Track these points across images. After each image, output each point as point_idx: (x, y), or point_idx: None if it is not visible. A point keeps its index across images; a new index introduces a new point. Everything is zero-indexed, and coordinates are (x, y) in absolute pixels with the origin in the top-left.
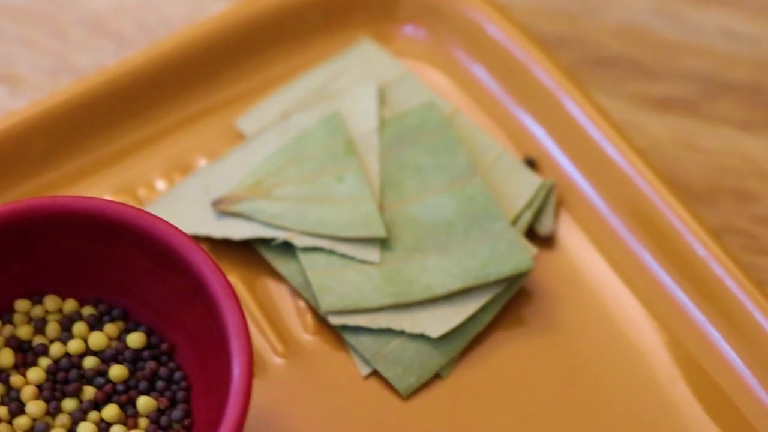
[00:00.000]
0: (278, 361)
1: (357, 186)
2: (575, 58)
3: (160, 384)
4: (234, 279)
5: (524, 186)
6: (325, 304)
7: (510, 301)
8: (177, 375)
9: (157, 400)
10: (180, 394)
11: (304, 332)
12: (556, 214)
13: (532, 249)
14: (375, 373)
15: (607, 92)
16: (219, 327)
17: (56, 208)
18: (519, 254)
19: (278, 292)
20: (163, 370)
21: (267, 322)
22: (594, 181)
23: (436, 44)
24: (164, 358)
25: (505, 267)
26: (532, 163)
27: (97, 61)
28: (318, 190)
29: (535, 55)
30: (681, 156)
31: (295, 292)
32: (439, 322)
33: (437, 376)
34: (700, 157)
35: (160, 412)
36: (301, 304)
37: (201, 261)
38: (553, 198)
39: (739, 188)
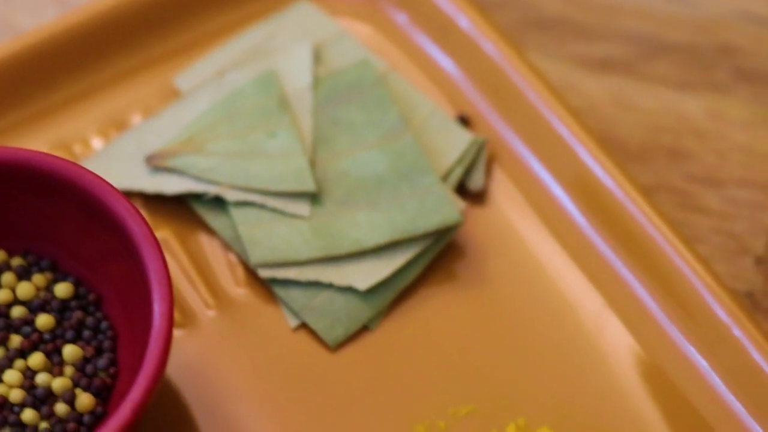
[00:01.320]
0: (209, 313)
1: (289, 142)
2: (515, 19)
3: (86, 333)
4: (166, 234)
5: (455, 142)
6: (254, 257)
7: (440, 256)
8: (103, 324)
9: (82, 348)
10: (106, 344)
11: (234, 285)
12: (489, 171)
13: (460, 203)
14: (304, 326)
15: (546, 53)
16: (142, 276)
17: None
18: (447, 208)
19: (210, 247)
20: (89, 320)
21: (198, 276)
22: (527, 139)
23: (372, 3)
24: (91, 308)
25: (432, 220)
26: (465, 121)
27: (40, 22)
28: (250, 146)
29: (471, 15)
30: (617, 116)
31: (227, 247)
32: (367, 275)
33: (365, 329)
34: (636, 117)
35: (85, 360)
36: (233, 258)
37: (125, 210)
38: (484, 155)
39: (674, 147)
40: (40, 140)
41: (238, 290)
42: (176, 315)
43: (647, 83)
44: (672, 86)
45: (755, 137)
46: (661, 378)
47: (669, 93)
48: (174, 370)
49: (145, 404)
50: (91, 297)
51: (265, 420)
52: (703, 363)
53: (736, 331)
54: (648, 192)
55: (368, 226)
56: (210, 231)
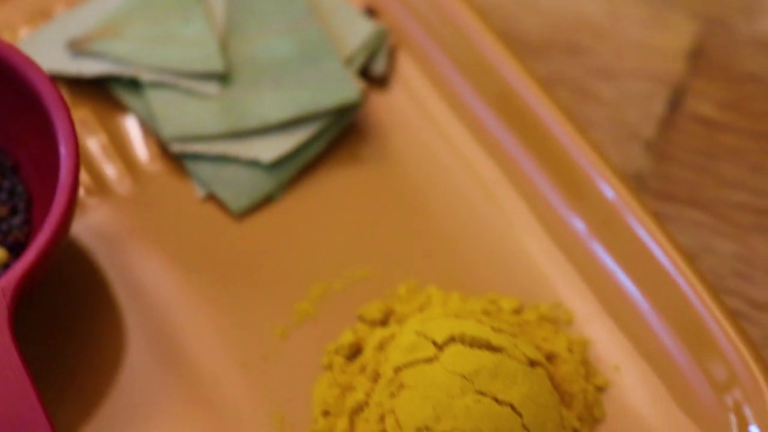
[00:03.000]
0: (124, 184)
1: (201, 27)
2: None
3: (2, 195)
4: (86, 113)
5: (359, 31)
6: (166, 132)
7: (342, 135)
8: (19, 188)
9: None
10: (20, 205)
11: (149, 160)
12: (392, 59)
13: (359, 84)
14: (212, 197)
15: None
16: (54, 144)
17: None
18: (346, 88)
19: (126, 125)
20: (5, 183)
21: (115, 152)
22: (431, 32)
23: None
24: (8, 174)
25: (332, 98)
26: (371, 12)
27: None
28: (166, 31)
29: None
30: (520, 14)
31: (142, 125)
32: (271, 149)
33: (269, 200)
34: (537, 16)
35: (1, 219)
36: (147, 136)
37: (42, 83)
38: (385, 43)
39: (572, 43)
40: None
41: (152, 164)
42: (93, 185)
43: None
44: None
45: (649, 34)
46: (549, 251)
47: None
48: (89, 236)
49: (48, 250)
50: (8, 163)
51: (171, 283)
52: (593, 242)
53: (622, 208)
54: (546, 83)
55: (273, 103)
56: (127, 110)
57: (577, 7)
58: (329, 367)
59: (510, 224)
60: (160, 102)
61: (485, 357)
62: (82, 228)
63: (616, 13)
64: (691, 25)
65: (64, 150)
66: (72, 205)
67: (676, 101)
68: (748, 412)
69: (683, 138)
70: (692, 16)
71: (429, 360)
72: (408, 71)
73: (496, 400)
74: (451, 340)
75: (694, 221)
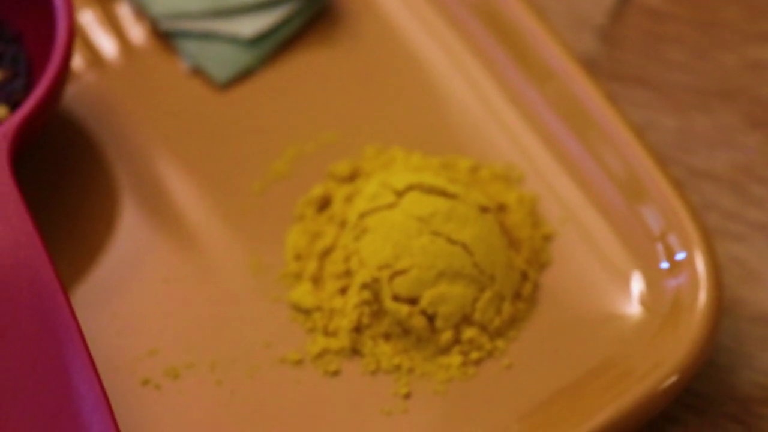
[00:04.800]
0: (116, 60)
1: None
2: None
3: (5, 62)
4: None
5: None
6: (154, 10)
7: (316, 18)
8: (20, 55)
9: (2, 72)
10: (21, 69)
11: (138, 37)
12: None
13: None
14: (197, 69)
15: None
16: (51, 10)
17: None
18: None
19: (119, 8)
20: (8, 50)
21: (109, 29)
22: None
23: None
24: (11, 42)
25: None
26: None
27: None
28: None
29: None
30: None
31: (132, 3)
32: (251, 26)
33: (250, 72)
34: None
35: (5, 82)
36: (137, 14)
37: None
38: None
39: None
40: None
41: (140, 41)
42: (88, 58)
43: None
44: None
45: None
46: (507, 119)
47: None
48: (84, 104)
49: (44, 100)
50: (11, 33)
51: (161, 146)
52: (548, 112)
53: (574, 85)
54: None
55: None
56: None
57: None
58: (301, 217)
59: (471, 93)
60: None
61: (440, 202)
62: (77, 97)
63: None
64: None
65: (60, 12)
66: (67, 61)
67: None
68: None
69: (632, 26)
70: None
71: (389, 206)
72: None
73: (450, 239)
74: (410, 188)
75: (641, 99)
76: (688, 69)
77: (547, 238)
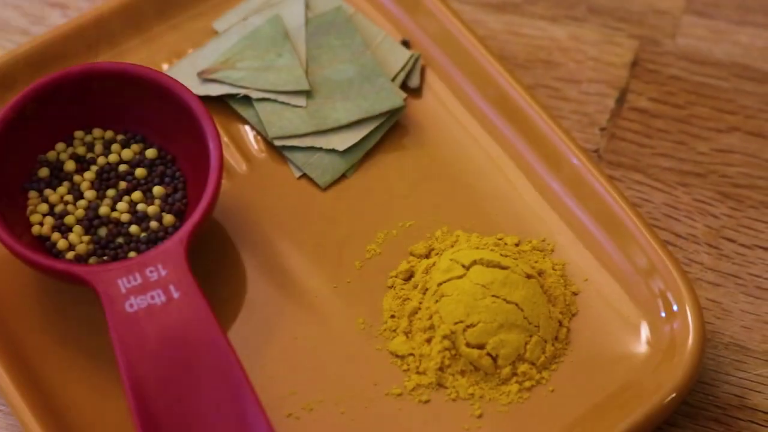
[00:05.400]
0: (242, 169)
1: (290, 59)
2: None
3: (167, 179)
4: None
5: (400, 57)
6: (271, 132)
7: (391, 131)
8: (177, 174)
9: (165, 188)
10: (179, 185)
11: (258, 152)
12: (424, 76)
13: (402, 94)
14: (304, 176)
15: (460, 0)
16: (204, 143)
17: (100, 69)
18: (394, 97)
19: (242, 129)
20: (168, 171)
21: (235, 148)
22: (451, 55)
23: None
24: (169, 164)
25: (384, 104)
26: (407, 44)
27: None
28: (265, 63)
29: None
30: (510, 40)
31: (253, 128)
32: (344, 140)
33: (344, 176)
34: (522, 41)
35: (167, 195)
36: (257, 135)
37: (194, 101)
38: (419, 64)
39: (547, 60)
40: (134, 60)
41: (261, 155)
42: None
43: (530, 18)
44: (546, 20)
45: (602, 52)
46: (538, 203)
47: (544, 24)
48: (219, 208)
49: (205, 216)
50: (169, 157)
51: (280, 237)
52: (566, 196)
53: (586, 173)
54: (530, 88)
55: (343, 110)
56: (242, 119)
57: (549, 34)
58: (392, 286)
59: (511, 186)
60: (265, 112)
61: (497, 273)
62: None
63: (578, 37)
64: (631, 44)
65: (212, 144)
66: (220, 180)
67: (621, 98)
68: (670, 297)
69: (627, 124)
70: (632, 37)
71: (460, 277)
72: (435, 84)
73: (506, 300)
74: (474, 263)
75: (636, 181)
76: (671, 155)
77: (575, 294)
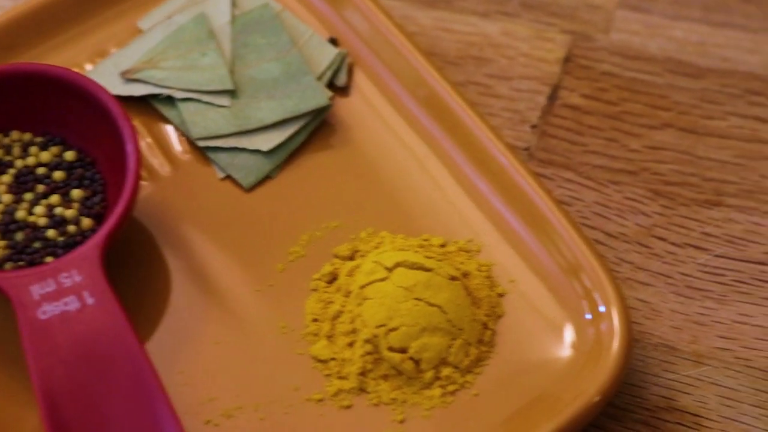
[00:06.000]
0: (165, 171)
1: (215, 58)
2: None
3: (86, 182)
4: (136, 122)
5: (326, 55)
6: (194, 133)
7: (318, 130)
8: (96, 176)
9: (84, 191)
10: (98, 188)
11: (182, 153)
12: (351, 74)
13: (328, 92)
14: (228, 177)
15: None
16: (121, 145)
17: (18, 71)
18: (319, 95)
19: (165, 129)
20: (87, 173)
21: (158, 148)
22: (377, 51)
23: None
24: (88, 167)
25: (310, 104)
26: (334, 41)
27: None
28: (189, 62)
29: None
30: (441, 37)
31: (177, 129)
32: (268, 141)
33: (269, 177)
34: (453, 37)
35: (86, 198)
36: (180, 135)
37: (112, 103)
38: (346, 62)
39: (478, 56)
40: (57, 60)
41: (184, 156)
42: (143, 172)
43: (461, 14)
44: (477, 15)
45: (533, 47)
46: (465, 203)
47: (475, 20)
48: (142, 209)
49: (122, 220)
50: (88, 159)
51: (202, 238)
52: (493, 196)
53: (512, 172)
54: (460, 85)
55: (268, 110)
56: (165, 119)
57: (480, 29)
58: (315, 289)
59: (437, 186)
60: (189, 112)
61: (420, 275)
62: (137, 203)
63: (510, 32)
64: (564, 39)
65: (129, 147)
66: (137, 184)
67: (553, 95)
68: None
69: (559, 121)
70: (565, 32)
71: (383, 279)
72: (362, 82)
73: (429, 303)
74: (397, 265)
75: (567, 179)
76: (603, 153)
77: (501, 296)
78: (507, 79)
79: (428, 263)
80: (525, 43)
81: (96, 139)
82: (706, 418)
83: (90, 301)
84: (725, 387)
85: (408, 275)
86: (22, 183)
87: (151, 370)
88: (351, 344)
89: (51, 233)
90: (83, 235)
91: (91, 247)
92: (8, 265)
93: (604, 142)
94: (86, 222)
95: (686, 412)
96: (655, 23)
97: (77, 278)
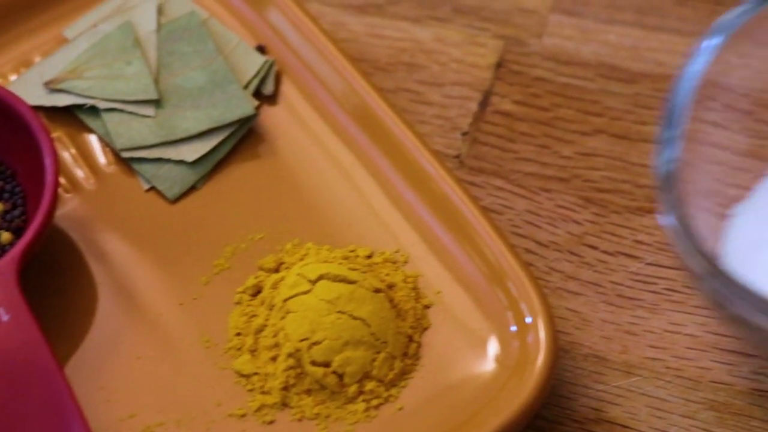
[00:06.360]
0: (90, 183)
1: (140, 67)
2: None
3: (5, 195)
4: (60, 133)
5: (253, 63)
6: (119, 144)
7: (244, 139)
8: (17, 189)
9: (3, 204)
10: (18, 201)
11: (107, 164)
12: (278, 82)
13: (254, 102)
14: (153, 188)
15: (322, 3)
16: (41, 157)
17: None
18: (244, 105)
19: (90, 140)
20: (7, 186)
21: (82, 159)
22: (305, 59)
23: None
24: (8, 179)
25: (235, 113)
26: (262, 49)
27: None
28: (114, 71)
29: None
30: (372, 43)
31: (101, 139)
32: (193, 151)
33: (194, 188)
34: (385, 43)
35: (5, 212)
36: (105, 146)
37: (30, 115)
38: (273, 71)
39: (410, 62)
40: None
41: (109, 167)
42: (66, 184)
43: (392, 19)
44: (409, 21)
45: (465, 53)
46: (392, 214)
47: (407, 25)
48: (66, 221)
49: (41, 229)
50: (9, 172)
51: (127, 250)
52: (420, 206)
53: (439, 181)
54: (390, 92)
55: (193, 119)
56: (89, 129)
57: (412, 35)
58: (239, 302)
59: (364, 196)
60: (113, 122)
61: (343, 288)
62: (61, 215)
63: (442, 38)
64: (496, 45)
65: (47, 161)
66: (55, 198)
67: (485, 101)
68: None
69: (490, 128)
70: (497, 37)
71: (306, 292)
72: (289, 90)
73: (352, 316)
74: (320, 278)
75: (498, 187)
76: (535, 160)
77: (427, 308)
78: (439, 86)
79: (352, 275)
80: (457, 49)
81: (16, 152)
82: (636, 430)
83: (5, 318)
84: (656, 398)
85: (331, 288)
86: None
87: (68, 390)
88: (274, 358)
89: None
90: (2, 250)
91: (7, 262)
92: None
93: (535, 148)
94: (5, 236)
95: (616, 424)
96: (588, 28)
97: None
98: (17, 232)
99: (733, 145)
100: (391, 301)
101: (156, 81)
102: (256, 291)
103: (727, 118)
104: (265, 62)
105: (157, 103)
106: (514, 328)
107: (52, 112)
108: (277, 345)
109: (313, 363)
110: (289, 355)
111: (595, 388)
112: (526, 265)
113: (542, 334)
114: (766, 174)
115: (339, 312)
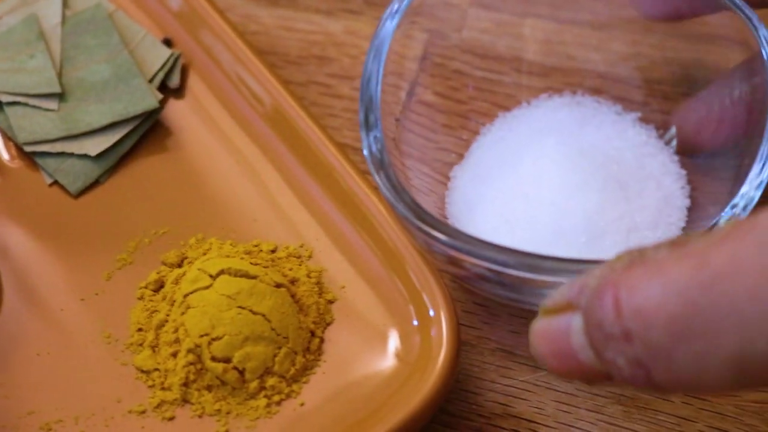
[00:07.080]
0: None
1: (43, 61)
2: None
3: None
4: None
5: (159, 56)
6: (21, 138)
7: (150, 133)
8: None
9: None
10: None
11: (10, 159)
12: (184, 76)
13: (159, 95)
14: (56, 183)
15: None
16: None
17: None
18: (148, 98)
19: None
20: None
21: None
22: (211, 51)
23: None
24: None
25: (139, 106)
26: (168, 42)
27: None
28: (17, 64)
29: None
30: (283, 36)
31: (4, 133)
32: (97, 145)
33: (98, 182)
34: (296, 36)
35: None
36: (8, 140)
37: None
38: (179, 64)
39: (321, 55)
40: None
41: (12, 162)
42: None
43: (304, 12)
44: (321, 14)
45: None
46: (297, 208)
47: (319, 18)
48: None
49: None
50: None
51: (30, 245)
52: (324, 200)
53: (343, 174)
54: (301, 85)
55: (97, 113)
56: None
57: (324, 28)
58: (141, 297)
59: (268, 190)
60: (15, 116)
61: (243, 283)
62: None
63: (354, 31)
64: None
65: None
66: None
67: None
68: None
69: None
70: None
71: (206, 287)
72: (195, 84)
73: (252, 311)
74: (221, 272)
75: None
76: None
77: (331, 303)
78: (349, 79)
79: (253, 270)
80: (368, 42)
81: None
82: (543, 425)
83: None
84: (562, 392)
85: (231, 283)
86: None
87: None
88: (174, 354)
89: None
90: None
91: None
92: None
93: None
94: None
95: (522, 419)
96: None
97: None
98: None
99: (436, 112)
100: (293, 296)
101: (59, 74)
102: (159, 286)
103: (424, 84)
104: (171, 55)
105: (60, 96)
106: (415, 323)
107: None
108: (177, 341)
109: (214, 359)
110: (189, 351)
111: (502, 382)
112: (431, 261)
113: (444, 327)
114: (478, 134)
115: (239, 307)
